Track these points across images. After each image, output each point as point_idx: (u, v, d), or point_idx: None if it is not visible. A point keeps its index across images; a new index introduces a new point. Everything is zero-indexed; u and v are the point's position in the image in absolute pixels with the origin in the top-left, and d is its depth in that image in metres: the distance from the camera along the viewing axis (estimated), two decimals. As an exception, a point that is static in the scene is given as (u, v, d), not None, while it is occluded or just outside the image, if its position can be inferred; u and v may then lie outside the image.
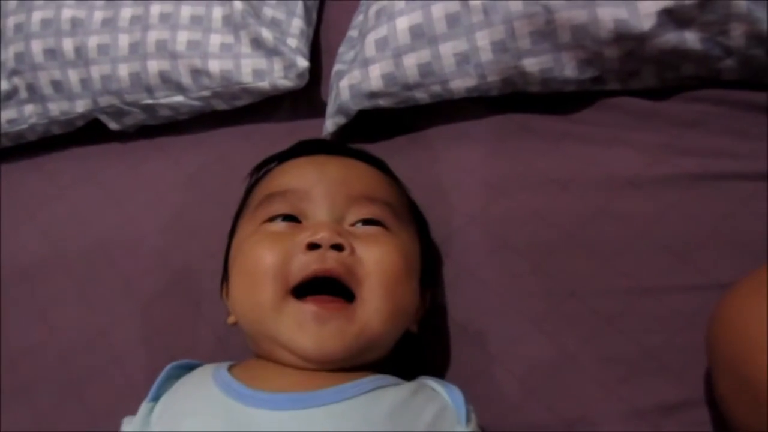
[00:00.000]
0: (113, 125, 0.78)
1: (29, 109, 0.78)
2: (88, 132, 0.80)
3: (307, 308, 0.47)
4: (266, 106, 0.77)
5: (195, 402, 0.47)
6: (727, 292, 0.46)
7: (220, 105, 0.76)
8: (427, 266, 0.57)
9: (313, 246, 0.48)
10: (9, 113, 0.78)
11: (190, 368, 0.52)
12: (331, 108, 0.71)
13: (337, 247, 0.48)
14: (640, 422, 0.52)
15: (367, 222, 0.52)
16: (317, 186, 0.53)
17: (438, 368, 0.56)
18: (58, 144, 0.81)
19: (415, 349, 0.56)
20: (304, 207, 0.52)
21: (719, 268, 0.56)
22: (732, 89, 0.64)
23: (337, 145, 0.61)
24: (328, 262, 0.48)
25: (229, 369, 0.49)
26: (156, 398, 0.50)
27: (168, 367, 0.51)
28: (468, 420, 0.47)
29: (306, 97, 0.76)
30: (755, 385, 0.41)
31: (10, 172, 0.81)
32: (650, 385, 0.53)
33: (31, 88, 0.77)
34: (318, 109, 0.75)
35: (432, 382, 0.50)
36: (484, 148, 0.69)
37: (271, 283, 0.47)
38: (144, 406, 0.50)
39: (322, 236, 0.48)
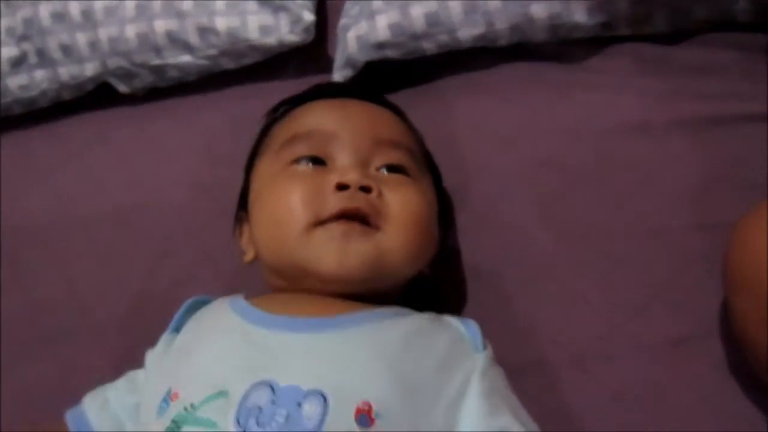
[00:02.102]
0: (122, 88, 0.79)
1: (40, 74, 0.78)
2: (97, 96, 0.81)
3: (335, 226, 0.48)
4: (274, 64, 0.76)
5: (213, 328, 0.49)
6: (746, 214, 0.46)
7: (228, 64, 0.76)
8: (440, 212, 0.58)
9: (342, 187, 0.49)
10: (20, 79, 0.78)
11: (208, 303, 0.53)
12: (338, 61, 0.71)
13: (365, 189, 0.50)
14: (646, 355, 0.53)
15: (390, 168, 0.53)
16: (343, 129, 0.53)
17: (452, 309, 0.57)
18: (68, 109, 0.81)
19: (429, 293, 0.56)
20: (329, 149, 0.53)
21: (728, 209, 0.56)
22: (743, 32, 0.64)
23: (356, 89, 0.62)
24: (356, 201, 0.49)
25: (246, 298, 0.51)
26: (177, 329, 0.52)
27: (187, 301, 0.53)
28: (484, 347, 0.48)
29: (313, 53, 0.76)
30: None
31: (23, 138, 0.81)
32: (657, 320, 0.54)
33: (41, 53, 0.77)
34: (325, 65, 0.75)
35: (447, 317, 0.51)
36: (493, 99, 0.69)
37: (301, 217, 0.49)
38: (164, 337, 0.52)
39: (351, 177, 0.50)
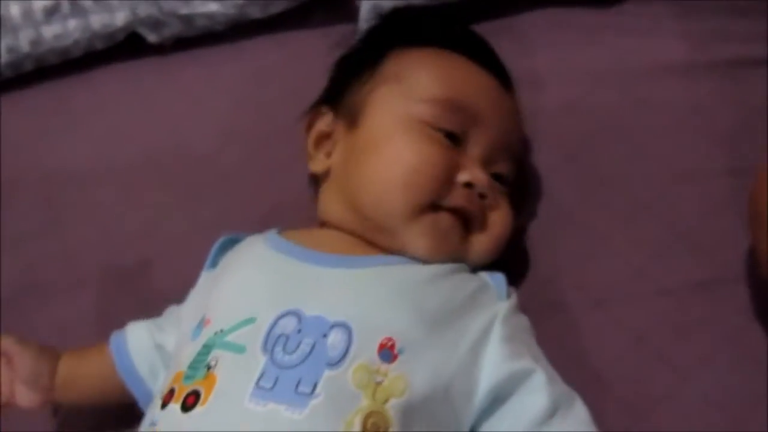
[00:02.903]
0: (152, 37, 0.80)
1: (72, 24, 0.79)
2: (128, 47, 0.82)
3: (445, 218, 0.49)
4: (299, 13, 0.77)
5: (246, 259, 0.51)
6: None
7: (255, 12, 0.77)
8: None
9: (468, 185, 0.50)
10: (54, 29, 0.79)
11: (240, 240, 0.55)
12: (364, 8, 0.71)
13: (482, 196, 0.51)
14: (668, 298, 0.53)
15: (499, 176, 0.54)
16: (494, 120, 0.53)
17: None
18: (100, 60, 0.83)
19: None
20: (471, 131, 0.52)
21: (757, 153, 0.55)
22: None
23: (498, 61, 0.58)
24: (473, 204, 0.50)
25: (281, 232, 0.52)
26: (213, 265, 0.53)
27: (220, 238, 0.54)
28: (508, 297, 0.49)
29: (339, 1, 0.76)
30: None
31: (59, 87, 0.83)
32: (679, 264, 0.55)
33: (73, 2, 0.78)
34: (351, 15, 0.74)
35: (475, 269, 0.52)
36: (522, 42, 0.68)
37: (425, 197, 0.49)
38: (203, 274, 0.54)
39: (481, 183, 0.50)
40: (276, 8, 0.76)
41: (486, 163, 0.52)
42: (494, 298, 0.49)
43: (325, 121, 0.56)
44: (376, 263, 0.48)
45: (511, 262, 0.56)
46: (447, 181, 0.50)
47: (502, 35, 0.69)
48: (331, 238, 0.52)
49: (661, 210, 0.57)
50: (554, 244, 0.58)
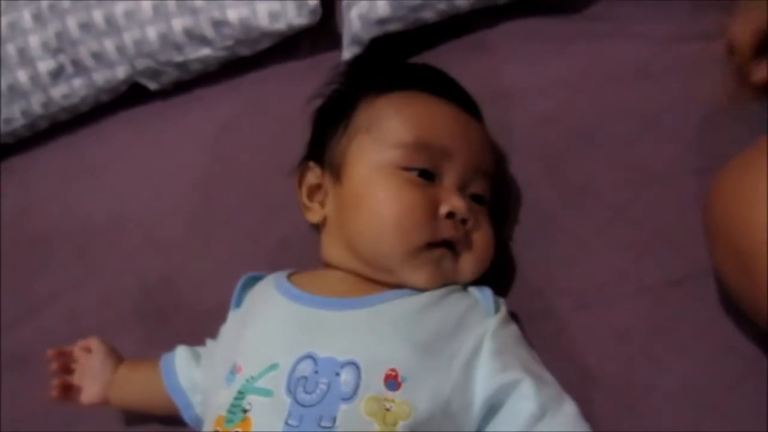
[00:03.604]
0: (152, 85, 0.85)
1: (77, 82, 0.85)
2: (132, 93, 0.87)
3: (437, 251, 0.55)
4: (287, 46, 0.81)
5: (263, 308, 0.57)
6: (722, 167, 0.49)
7: (245, 51, 0.81)
8: None
9: (450, 215, 0.55)
10: (62, 89, 0.85)
11: (261, 278, 0.61)
12: (345, 39, 0.75)
13: (464, 221, 0.56)
14: (648, 296, 0.58)
15: (476, 197, 0.58)
16: (461, 151, 0.57)
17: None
18: (107, 110, 0.88)
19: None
20: (442, 165, 0.56)
21: (727, 150, 0.58)
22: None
23: (460, 90, 0.62)
24: (458, 230, 0.55)
25: (289, 277, 0.59)
26: (238, 305, 0.60)
27: (242, 278, 0.61)
28: (496, 311, 0.55)
29: (323, 31, 0.80)
30: (745, 252, 0.45)
31: (72, 141, 0.89)
32: (656, 263, 0.58)
33: (76, 63, 0.83)
34: (336, 42, 0.79)
35: (465, 286, 0.57)
36: (495, 58, 0.72)
37: (417, 236, 0.54)
38: (231, 314, 0.61)
39: (460, 208, 0.55)
40: (264, 44, 0.80)
41: (462, 188, 0.57)
42: (483, 315, 0.54)
43: (314, 174, 0.61)
44: (374, 302, 0.53)
45: (499, 272, 0.61)
46: (431, 217, 0.54)
47: (475, 51, 0.73)
48: (335, 279, 0.57)
49: (637, 212, 0.60)
50: (539, 252, 0.62)
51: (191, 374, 0.62)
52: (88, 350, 0.66)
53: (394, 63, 0.68)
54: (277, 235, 0.71)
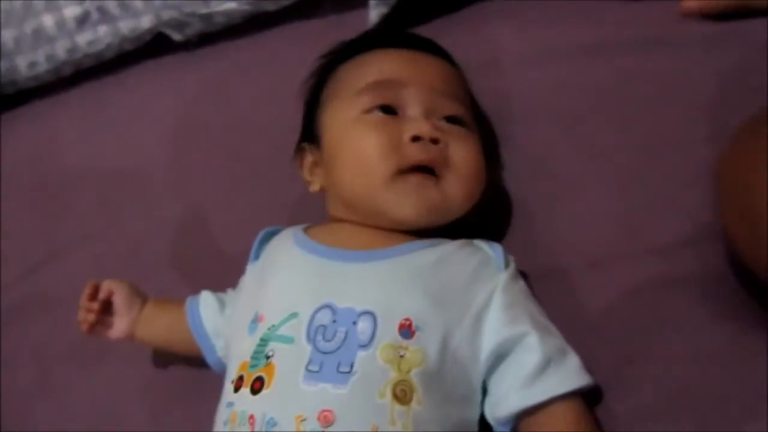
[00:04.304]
0: (177, 36, 0.86)
1: (102, 30, 0.86)
2: (156, 44, 0.88)
3: (412, 177, 0.56)
4: (311, 4, 0.82)
5: (282, 260, 0.59)
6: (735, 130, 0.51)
7: (269, 6, 0.82)
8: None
9: (416, 138, 0.56)
10: (86, 36, 0.86)
11: (278, 232, 0.64)
12: (372, -1, 0.75)
13: (434, 141, 0.57)
14: (657, 257, 0.60)
15: (451, 119, 0.59)
16: (414, 79, 0.59)
17: (483, 226, 0.64)
18: (131, 59, 0.90)
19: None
20: (400, 99, 0.58)
21: (740, 120, 0.59)
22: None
23: (416, 38, 0.65)
24: (430, 152, 0.56)
25: (306, 230, 0.61)
26: (256, 257, 0.63)
27: (260, 233, 0.64)
28: (506, 266, 0.57)
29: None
30: (753, 213, 0.47)
31: (95, 90, 0.91)
32: (669, 225, 0.60)
33: (102, 10, 0.84)
34: (360, 2, 0.79)
35: (477, 241, 0.59)
36: (516, 20, 0.73)
37: (385, 167, 0.56)
38: (249, 266, 0.63)
39: (425, 130, 0.56)
40: (288, 0, 0.81)
41: (429, 114, 0.58)
42: (494, 270, 0.56)
43: (309, 153, 0.65)
44: (390, 255, 0.55)
45: (514, 231, 0.64)
46: (397, 145, 0.56)
47: (497, 14, 0.74)
48: (349, 233, 0.59)
49: (652, 178, 0.62)
50: (550, 212, 0.64)
51: (215, 320, 0.65)
52: (111, 292, 0.68)
53: (364, 33, 0.70)
54: (300, 188, 0.73)
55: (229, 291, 0.67)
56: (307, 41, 0.80)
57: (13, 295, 0.81)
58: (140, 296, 0.69)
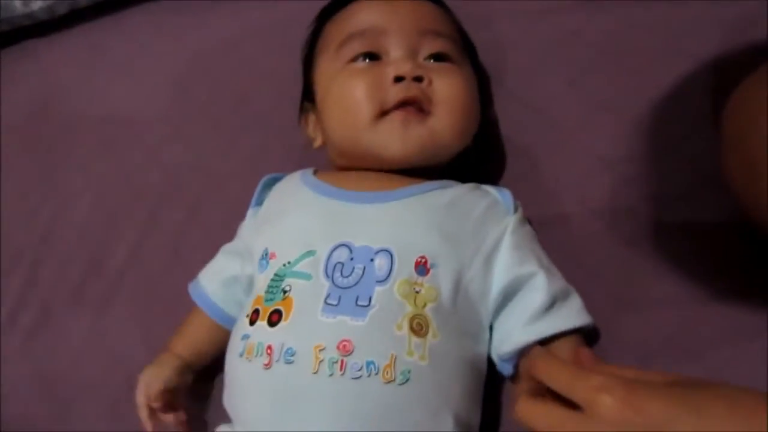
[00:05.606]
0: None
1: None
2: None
3: (396, 115, 0.57)
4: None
5: (293, 201, 0.60)
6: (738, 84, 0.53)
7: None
8: (480, 90, 0.65)
9: (398, 78, 0.57)
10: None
11: (280, 179, 0.64)
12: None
13: (418, 79, 0.58)
14: (653, 205, 0.62)
15: (436, 56, 0.60)
16: (392, 23, 0.60)
17: (489, 173, 0.66)
18: (129, 1, 0.88)
19: (471, 161, 0.65)
20: (382, 44, 0.60)
21: (742, 72, 0.61)
22: None
23: None
24: (411, 90, 0.57)
25: (315, 174, 0.62)
26: (259, 203, 0.64)
27: (262, 179, 0.64)
28: (515, 211, 0.59)
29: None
30: (754, 161, 0.48)
31: (92, 31, 0.89)
32: (667, 174, 0.62)
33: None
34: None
35: (486, 186, 0.61)
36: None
37: (368, 109, 0.57)
38: (250, 210, 0.64)
39: (406, 69, 0.57)
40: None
41: (413, 54, 0.60)
42: (503, 213, 0.58)
43: (311, 112, 0.66)
44: (403, 196, 0.56)
45: (520, 179, 0.65)
46: (380, 88, 0.57)
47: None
48: (358, 177, 0.60)
49: (654, 127, 0.64)
50: (556, 163, 0.66)
51: (225, 292, 0.62)
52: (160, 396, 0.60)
53: None
54: (304, 136, 0.73)
55: (225, 247, 0.65)
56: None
57: (14, 239, 0.80)
58: (179, 371, 0.61)
